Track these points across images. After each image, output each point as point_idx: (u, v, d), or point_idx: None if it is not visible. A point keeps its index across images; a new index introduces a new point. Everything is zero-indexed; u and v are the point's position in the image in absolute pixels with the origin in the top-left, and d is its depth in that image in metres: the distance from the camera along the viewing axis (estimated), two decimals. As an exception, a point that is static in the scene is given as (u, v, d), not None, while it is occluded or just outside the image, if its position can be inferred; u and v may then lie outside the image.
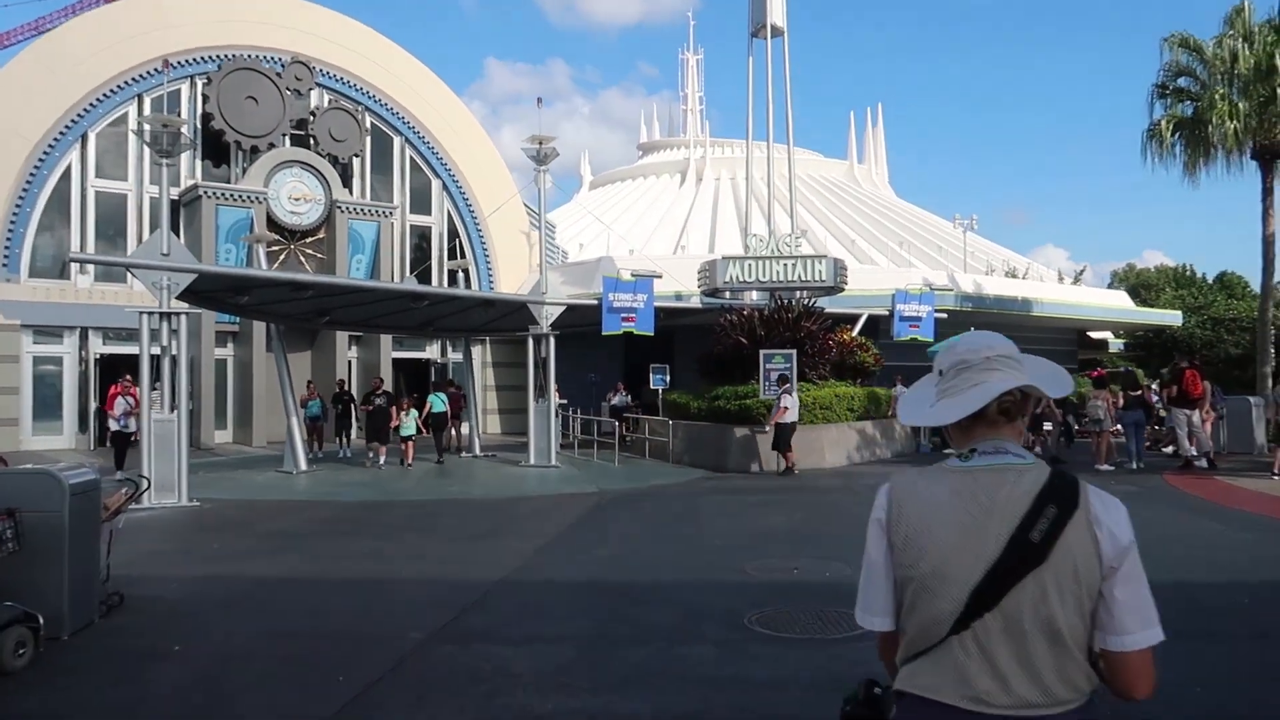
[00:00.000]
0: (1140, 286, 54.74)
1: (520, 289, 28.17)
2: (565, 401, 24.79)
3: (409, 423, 19.23)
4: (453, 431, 22.60)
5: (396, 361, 28.10)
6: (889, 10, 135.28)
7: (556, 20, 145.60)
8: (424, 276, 28.88)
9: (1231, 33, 20.80)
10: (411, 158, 29.64)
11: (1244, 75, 20.54)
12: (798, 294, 21.52)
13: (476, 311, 20.08)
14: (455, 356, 29.39)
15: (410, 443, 19.16)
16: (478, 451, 21.59)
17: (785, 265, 20.16)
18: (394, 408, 19.05)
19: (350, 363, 27.77)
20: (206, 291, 16.05)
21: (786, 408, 16.87)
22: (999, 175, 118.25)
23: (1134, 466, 16.15)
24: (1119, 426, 16.84)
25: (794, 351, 18.19)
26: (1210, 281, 56.17)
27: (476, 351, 30.24)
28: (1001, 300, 28.15)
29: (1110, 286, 50.97)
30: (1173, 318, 36.10)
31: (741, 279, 20.38)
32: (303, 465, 17.61)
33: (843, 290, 20.93)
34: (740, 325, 20.00)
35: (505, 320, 21.21)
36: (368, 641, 6.27)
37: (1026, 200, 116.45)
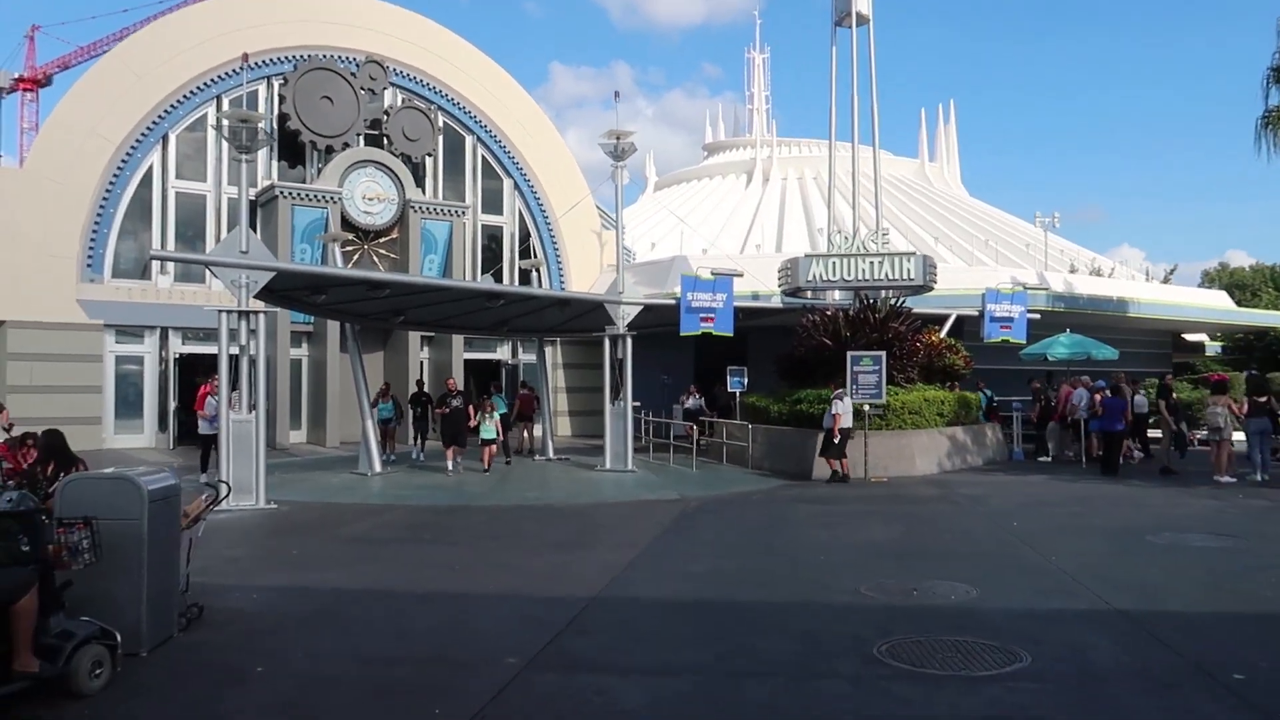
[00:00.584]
0: (1234, 286, 52.17)
1: (592, 288, 27.74)
2: (638, 404, 24.28)
3: (489, 426, 18.26)
4: (524, 434, 22.23)
5: (468, 362, 27.89)
6: (958, 2, 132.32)
7: (620, 22, 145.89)
8: (496, 276, 28.62)
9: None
10: (483, 157, 29.42)
11: (1372, 57, 19.09)
12: (883, 293, 20.66)
13: (551, 311, 19.64)
14: (526, 357, 29.09)
15: (490, 447, 18.21)
16: (550, 454, 21.17)
17: (871, 263, 19.25)
18: (470, 408, 18.50)
19: (422, 363, 27.63)
20: (284, 290, 15.86)
21: (839, 414, 16.20)
22: (1073, 172, 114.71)
23: (1259, 478, 14.99)
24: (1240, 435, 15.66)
25: (883, 353, 17.34)
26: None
27: (548, 352, 29.98)
28: (1095, 300, 26.82)
29: (1201, 286, 48.71)
30: (1275, 318, 34.16)
31: (825, 277, 19.54)
32: (377, 467, 17.35)
33: (932, 289, 19.97)
34: (824, 326, 19.22)
35: (580, 320, 20.74)
36: (460, 668, 5.76)
37: (1103, 197, 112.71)
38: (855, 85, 21.31)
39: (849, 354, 17.34)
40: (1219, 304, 32.77)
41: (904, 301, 20.07)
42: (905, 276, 19.27)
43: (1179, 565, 8.71)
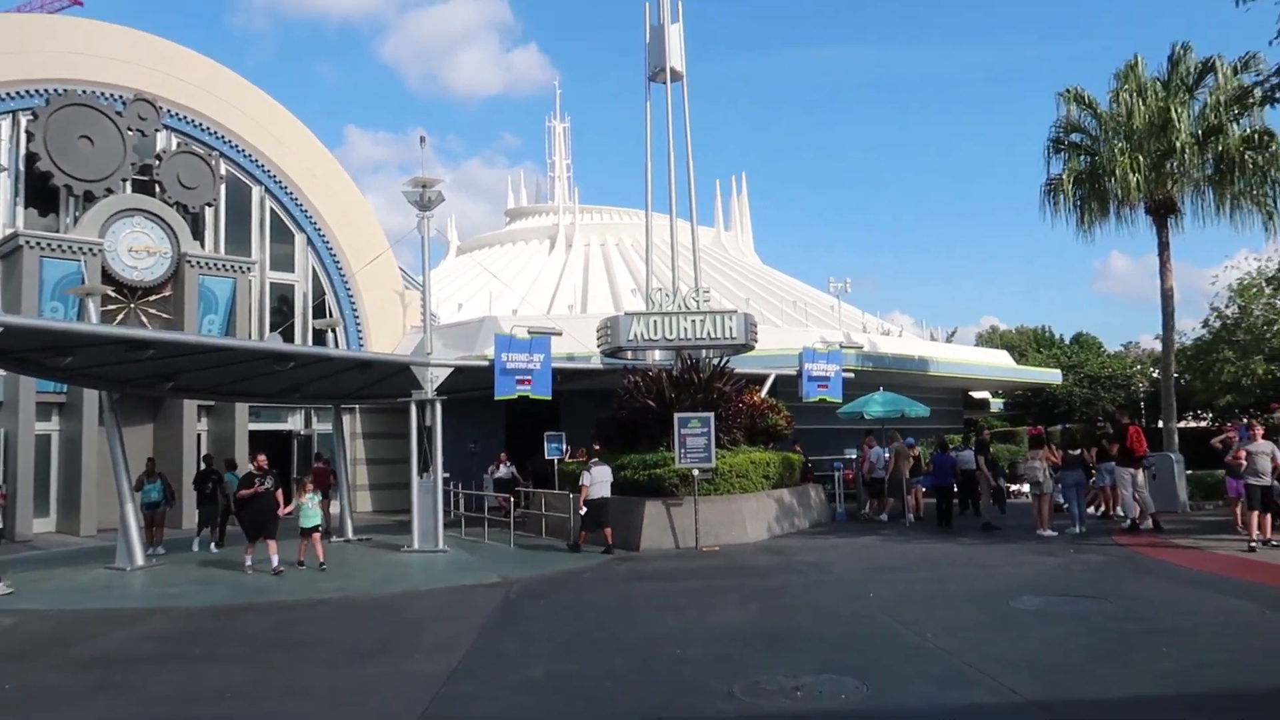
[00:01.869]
0: (1006, 347, 56.34)
1: (396, 351, 25.78)
2: (447, 475, 22.47)
3: (312, 510, 14.69)
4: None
5: (254, 434, 25.05)
6: (749, 82, 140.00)
7: (417, 90, 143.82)
8: (287, 337, 26.07)
9: (1127, 87, 20.92)
10: (272, 209, 26.98)
11: (1140, 130, 20.62)
12: (704, 353, 20.09)
13: (350, 375, 17.67)
14: (322, 427, 26.56)
15: (317, 535, 14.65)
16: (350, 535, 18.99)
17: (694, 321, 18.61)
18: (280, 491, 15.11)
19: (200, 436, 24.57)
20: (19, 352, 13.26)
21: (585, 485, 15.80)
22: (848, 244, 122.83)
23: (1077, 530, 15.18)
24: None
25: (711, 415, 16.60)
26: (1068, 342, 58.40)
27: (346, 421, 27.55)
28: (900, 359, 27.55)
29: (978, 347, 52.14)
30: (1052, 376, 36.65)
31: (647, 336, 18.70)
32: (139, 560, 14.71)
33: (754, 348, 19.56)
34: (648, 387, 18.31)
35: (383, 385, 18.88)
36: None
37: (875, 269, 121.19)
38: (671, 140, 20.93)
39: (676, 415, 16.48)
40: (1003, 362, 34.75)
41: (727, 361, 19.54)
42: (728, 335, 18.75)
43: (1061, 637, 8.10)
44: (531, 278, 45.93)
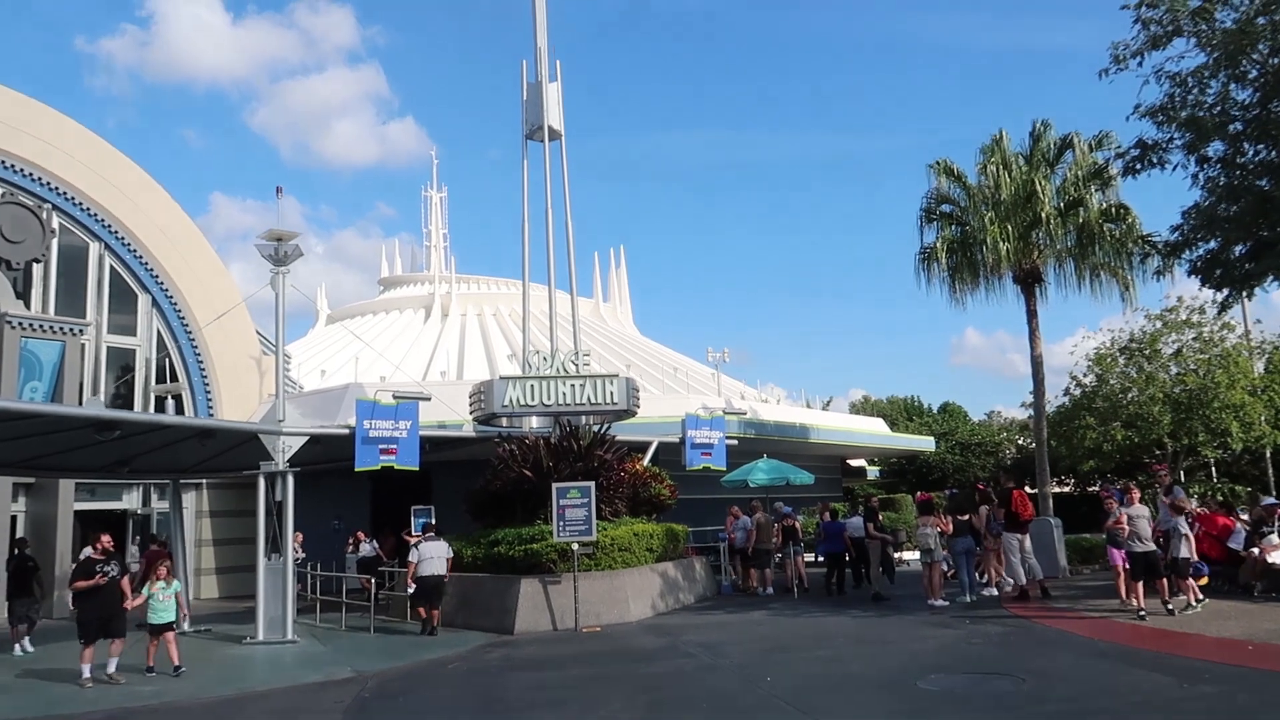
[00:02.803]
0: (878, 416, 57.48)
1: (251, 419, 23.80)
2: (303, 556, 20.58)
3: (165, 603, 12.18)
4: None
5: (82, 514, 22.47)
6: (624, 160, 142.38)
7: (289, 159, 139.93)
8: (126, 406, 23.71)
9: (994, 160, 21.45)
10: (113, 268, 24.80)
11: (1007, 201, 21.10)
12: (584, 420, 19.11)
13: (190, 446, 15.84)
14: (161, 505, 24.13)
15: (172, 633, 12.20)
16: (186, 626, 16.88)
17: (573, 386, 17.60)
18: (127, 579, 12.64)
19: (15, 519, 21.87)
20: None
21: (413, 562, 15.50)
22: (722, 318, 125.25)
23: (968, 599, 14.72)
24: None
25: (591, 484, 15.56)
26: (935, 411, 60.09)
27: (189, 499, 25.17)
28: (781, 426, 27.24)
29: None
30: (926, 443, 37.15)
31: (524, 402, 17.56)
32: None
33: (635, 414, 18.67)
34: (524, 455, 17.17)
35: (228, 457, 17.12)
36: None
37: (748, 341, 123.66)
38: (550, 205, 20.19)
39: (554, 485, 15.39)
40: (880, 430, 35.05)
41: (608, 428, 18.59)
42: (609, 400, 17.81)
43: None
44: (405, 347, 44.19)
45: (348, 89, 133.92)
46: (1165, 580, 12.96)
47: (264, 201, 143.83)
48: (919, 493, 17.26)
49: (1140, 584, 12.68)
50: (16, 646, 14.58)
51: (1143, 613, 12.32)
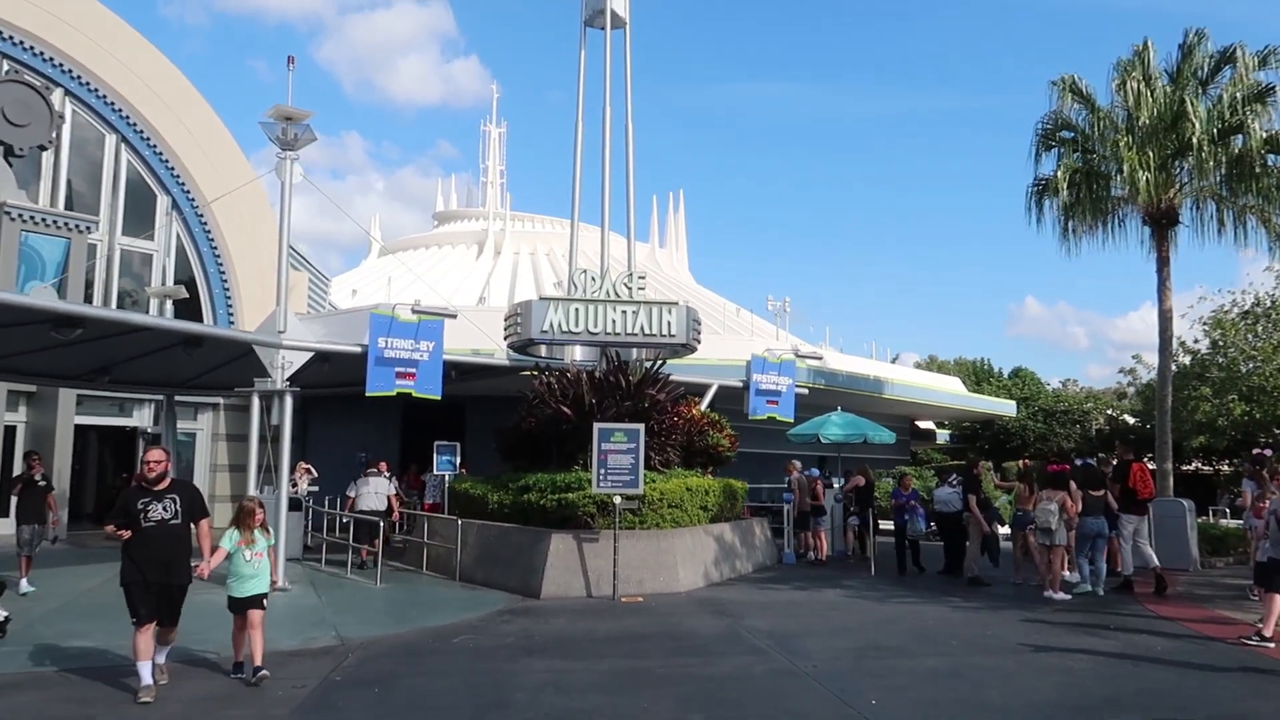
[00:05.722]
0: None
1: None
2: (316, 489, 18.49)
3: (256, 564, 8.02)
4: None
5: (83, 429, 20.65)
6: (687, 96, 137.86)
7: (353, 96, 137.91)
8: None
9: (1135, 75, 18.07)
10: (130, 163, 22.69)
11: (1146, 125, 17.80)
12: (635, 354, 16.53)
13: (178, 355, 13.59)
14: (184, 424, 22.18)
15: (261, 611, 7.95)
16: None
17: (625, 313, 14.85)
18: (206, 523, 8.09)
19: (16, 429, 20.13)
20: None
21: (350, 496, 15.91)
22: (777, 272, 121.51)
23: (1098, 592, 12.00)
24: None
25: (640, 427, 13.01)
26: (1007, 376, 56.44)
27: (205, 419, 23.26)
28: (854, 379, 24.44)
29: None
30: (1007, 407, 33.98)
31: (566, 327, 14.85)
32: None
33: (695, 349, 15.94)
34: (564, 390, 14.65)
35: (226, 372, 14.93)
36: None
37: (800, 298, 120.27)
38: (608, 97, 17.34)
39: (597, 426, 12.86)
40: (957, 389, 32.03)
41: (663, 364, 15.95)
42: (665, 331, 15.04)
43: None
44: (456, 283, 42.30)
45: (415, 25, 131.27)
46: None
47: (329, 137, 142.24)
48: (1051, 462, 14.32)
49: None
50: (24, 582, 11.94)
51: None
